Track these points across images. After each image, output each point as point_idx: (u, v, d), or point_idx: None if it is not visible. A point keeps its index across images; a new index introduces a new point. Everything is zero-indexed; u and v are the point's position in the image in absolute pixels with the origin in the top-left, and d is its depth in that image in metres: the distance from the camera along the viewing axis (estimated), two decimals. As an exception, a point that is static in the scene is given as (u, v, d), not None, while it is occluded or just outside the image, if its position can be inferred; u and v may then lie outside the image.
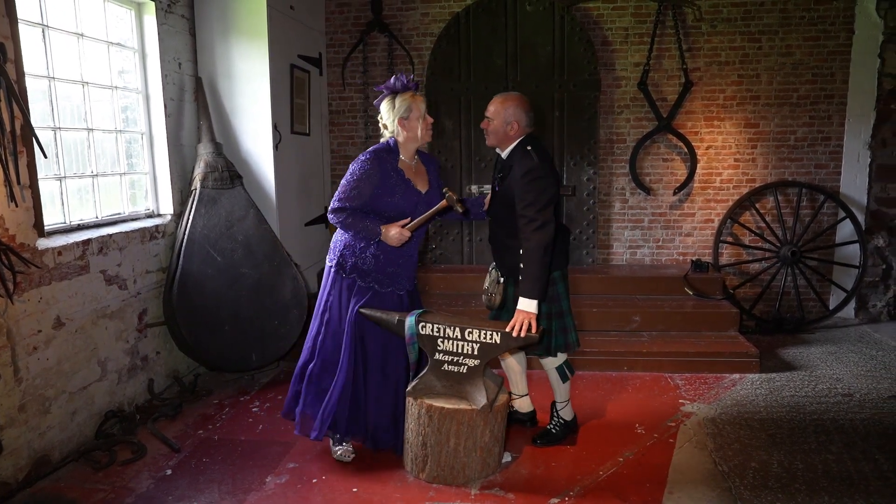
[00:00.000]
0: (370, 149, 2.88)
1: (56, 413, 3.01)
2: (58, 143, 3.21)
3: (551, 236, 2.73)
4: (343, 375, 2.91)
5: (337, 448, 3.08)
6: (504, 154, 2.96)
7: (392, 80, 2.84)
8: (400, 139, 2.88)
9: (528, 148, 2.85)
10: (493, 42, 5.18)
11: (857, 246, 5.24)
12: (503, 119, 2.87)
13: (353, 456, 3.05)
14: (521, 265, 2.77)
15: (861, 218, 5.25)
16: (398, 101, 2.83)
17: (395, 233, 2.78)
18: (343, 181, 2.83)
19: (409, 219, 2.81)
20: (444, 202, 2.76)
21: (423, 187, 2.94)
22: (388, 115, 2.86)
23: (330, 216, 2.85)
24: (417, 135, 2.86)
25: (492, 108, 2.91)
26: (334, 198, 2.83)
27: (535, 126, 2.95)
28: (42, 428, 2.92)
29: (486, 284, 3.12)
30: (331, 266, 2.98)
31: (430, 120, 2.88)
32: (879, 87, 5.08)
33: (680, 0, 5.09)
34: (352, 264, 2.91)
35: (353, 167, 2.82)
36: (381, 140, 2.95)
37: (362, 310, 2.89)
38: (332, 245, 3.02)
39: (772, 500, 2.69)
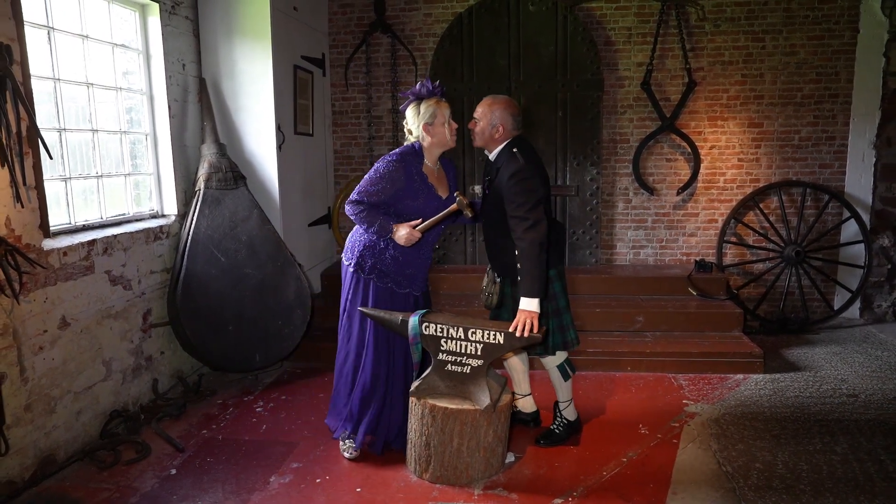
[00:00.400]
0: (397, 150, 2.94)
1: (61, 413, 3.03)
2: (63, 145, 3.23)
3: (544, 234, 2.75)
4: (363, 375, 3.01)
5: (344, 442, 3.12)
6: (492, 156, 2.98)
7: (418, 86, 2.89)
8: (425, 144, 2.92)
9: (515, 150, 2.87)
10: (495, 42, 5.18)
11: (861, 246, 5.22)
12: (489, 122, 2.90)
13: (356, 453, 3.07)
14: (519, 265, 2.79)
15: (866, 218, 5.23)
16: (423, 107, 2.87)
17: (405, 232, 2.81)
18: (366, 176, 2.88)
19: (420, 220, 2.84)
20: (454, 206, 2.79)
21: (443, 193, 2.99)
22: (413, 121, 2.91)
23: (346, 207, 2.91)
24: (442, 140, 2.91)
25: (479, 110, 2.94)
26: (354, 190, 2.89)
27: (522, 129, 2.97)
28: (48, 427, 2.94)
29: (484, 284, 3.14)
30: (348, 265, 3.01)
31: (455, 125, 2.92)
32: (884, 86, 5.06)
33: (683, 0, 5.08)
34: (371, 265, 2.96)
35: (378, 165, 2.88)
36: (405, 143, 2.99)
37: (363, 309, 2.92)
38: (349, 244, 3.05)
39: (776, 501, 2.68)
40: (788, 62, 5.17)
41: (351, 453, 3.06)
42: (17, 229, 2.77)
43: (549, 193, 2.96)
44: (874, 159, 5.17)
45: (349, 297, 3.03)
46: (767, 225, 5.33)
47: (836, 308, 5.34)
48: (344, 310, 3.07)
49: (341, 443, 3.13)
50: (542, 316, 2.85)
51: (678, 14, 5.10)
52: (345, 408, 3.11)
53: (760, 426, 3.37)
